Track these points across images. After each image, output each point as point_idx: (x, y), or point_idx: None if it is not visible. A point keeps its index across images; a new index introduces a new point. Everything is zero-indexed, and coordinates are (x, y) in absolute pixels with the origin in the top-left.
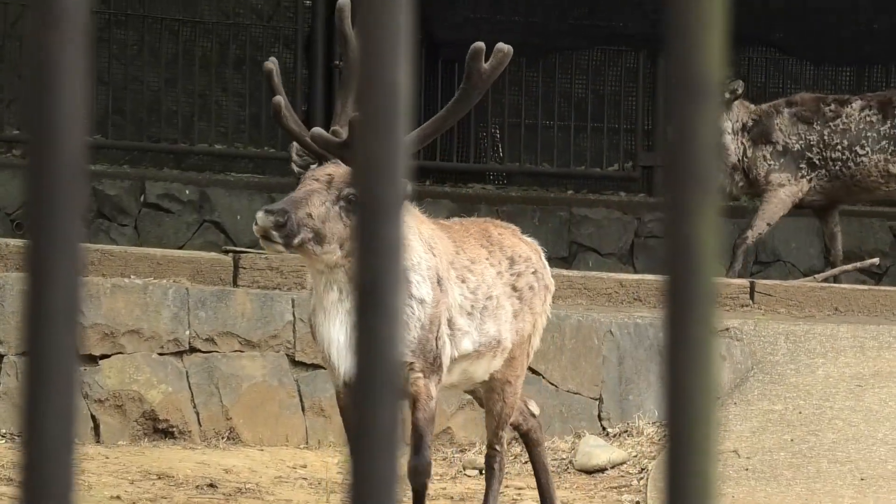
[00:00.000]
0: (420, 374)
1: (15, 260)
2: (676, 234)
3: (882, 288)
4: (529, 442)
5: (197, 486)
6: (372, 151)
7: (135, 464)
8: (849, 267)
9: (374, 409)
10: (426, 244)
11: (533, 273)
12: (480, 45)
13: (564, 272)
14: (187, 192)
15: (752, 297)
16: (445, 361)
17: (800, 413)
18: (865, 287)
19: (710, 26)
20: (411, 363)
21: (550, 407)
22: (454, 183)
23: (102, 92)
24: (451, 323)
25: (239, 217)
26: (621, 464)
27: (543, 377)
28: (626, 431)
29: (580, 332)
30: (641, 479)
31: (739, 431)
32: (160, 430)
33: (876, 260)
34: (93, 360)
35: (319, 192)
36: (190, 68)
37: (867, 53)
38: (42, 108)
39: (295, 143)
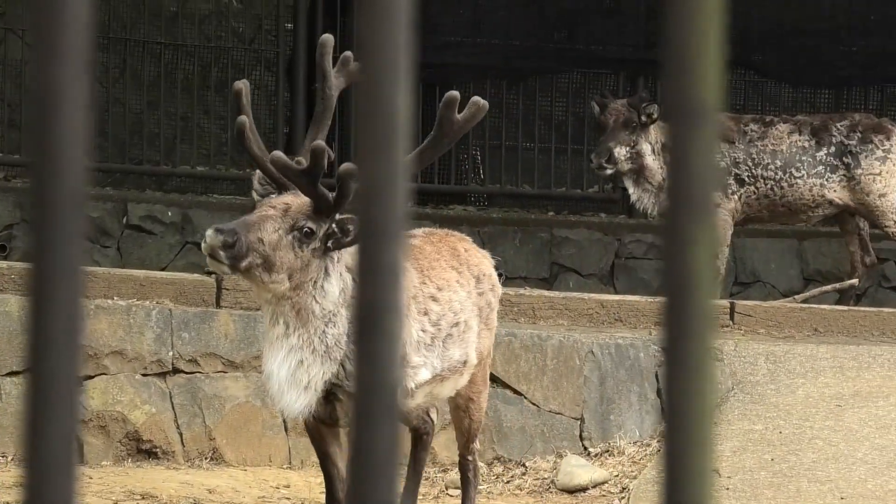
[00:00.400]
0: None
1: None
2: (674, 257)
3: (861, 309)
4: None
5: None
6: (371, 175)
7: (118, 484)
8: (827, 288)
9: (373, 431)
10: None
11: (491, 289)
12: (454, 94)
13: (546, 293)
14: (170, 213)
15: (731, 318)
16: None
17: (780, 433)
18: (845, 308)
19: (706, 53)
20: None
21: (532, 427)
22: (436, 204)
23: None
24: (404, 360)
25: None
26: (603, 483)
27: (525, 397)
28: (607, 451)
29: (562, 352)
30: (623, 498)
31: (720, 451)
32: (144, 450)
33: (855, 281)
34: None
35: (274, 219)
36: (172, 91)
37: (846, 75)
38: (45, 135)
39: (258, 171)
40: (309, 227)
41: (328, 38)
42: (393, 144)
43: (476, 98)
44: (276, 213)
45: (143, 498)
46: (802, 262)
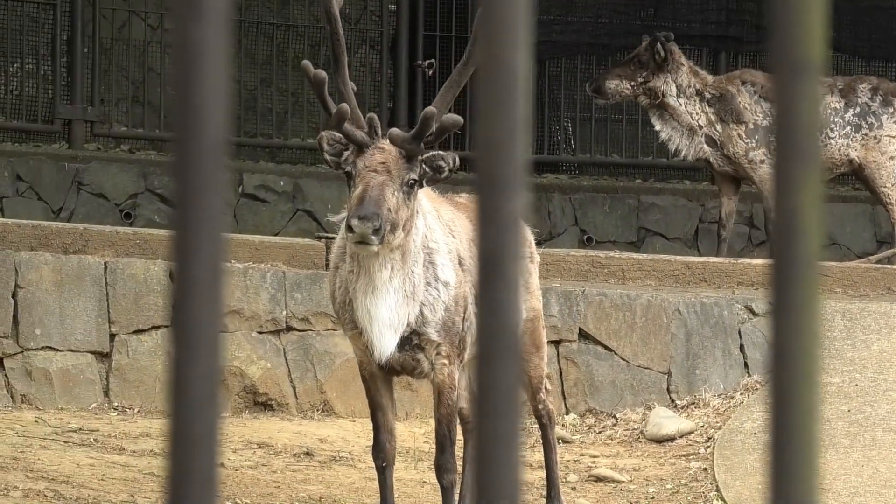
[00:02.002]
0: (445, 361)
1: (125, 246)
2: (783, 205)
3: None
4: (466, 430)
5: (294, 455)
6: (492, 130)
7: (236, 434)
8: None
9: (497, 372)
10: (446, 226)
11: (530, 256)
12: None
13: (635, 255)
14: (282, 183)
15: None
16: (469, 341)
17: (856, 385)
18: None
19: (812, 9)
20: (437, 345)
21: (622, 381)
22: (529, 173)
23: None
24: (477, 300)
25: (329, 206)
26: (689, 433)
27: (616, 353)
28: (693, 403)
29: (650, 311)
30: (708, 447)
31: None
32: (260, 403)
33: None
34: None
35: (389, 184)
36: (283, 69)
37: None
38: (188, 98)
39: (324, 134)
40: (412, 178)
41: None
42: (513, 101)
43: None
44: (387, 178)
45: (260, 447)
46: (875, 226)
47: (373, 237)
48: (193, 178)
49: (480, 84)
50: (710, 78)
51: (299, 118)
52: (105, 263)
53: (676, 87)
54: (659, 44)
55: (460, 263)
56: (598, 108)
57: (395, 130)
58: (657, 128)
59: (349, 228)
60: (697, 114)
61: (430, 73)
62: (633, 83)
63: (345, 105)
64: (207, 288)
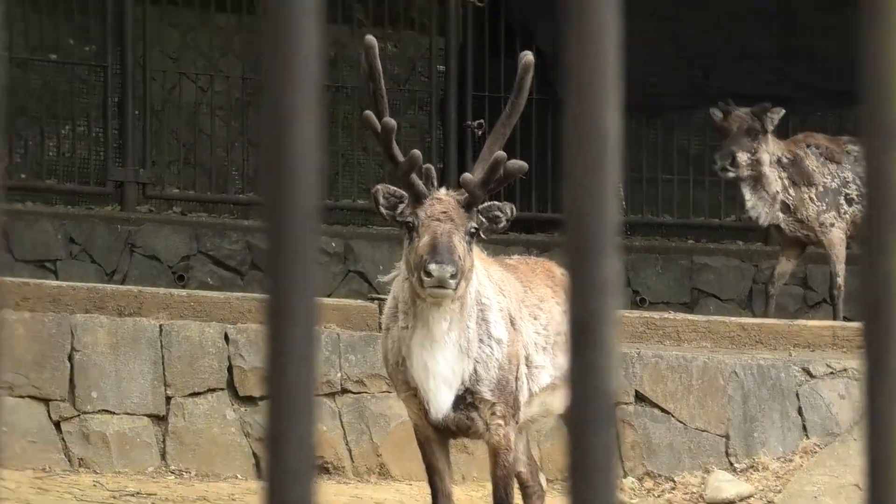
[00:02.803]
0: (501, 421)
1: (179, 309)
2: (875, 269)
3: None
4: (525, 495)
5: None
6: (583, 193)
7: None
8: None
9: (591, 438)
10: (496, 285)
11: None
12: (530, 58)
13: (690, 316)
14: (333, 244)
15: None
16: (522, 400)
17: None
18: None
19: None
20: (492, 405)
21: (680, 444)
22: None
23: (253, 153)
24: (528, 360)
25: (381, 267)
26: (748, 497)
27: (672, 416)
28: (751, 467)
29: (706, 373)
30: None
31: (861, 466)
32: (316, 466)
33: None
34: (252, 401)
35: (455, 232)
36: (333, 130)
37: None
38: (280, 163)
39: (379, 187)
40: (474, 227)
41: (372, 40)
42: (603, 164)
43: (524, 53)
44: (452, 226)
45: None
46: None
47: (451, 281)
48: (286, 243)
49: (570, 147)
50: (781, 143)
51: (349, 179)
52: (160, 326)
53: (769, 154)
54: (780, 110)
55: (511, 323)
56: (648, 167)
57: (467, 175)
58: (747, 197)
59: (427, 274)
60: (776, 180)
61: (480, 133)
62: (750, 155)
63: (417, 152)
64: (302, 353)
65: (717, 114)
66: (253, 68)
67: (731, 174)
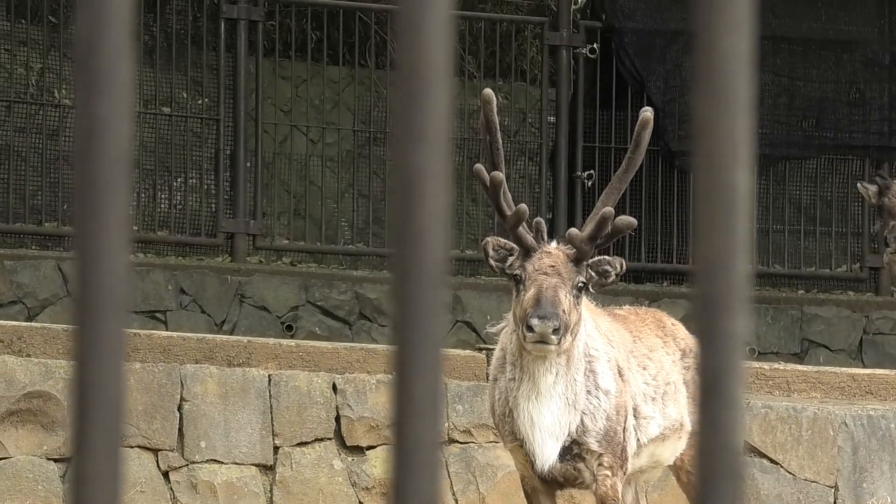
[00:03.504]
0: (608, 472)
1: (288, 359)
2: None
3: None
4: None
5: None
6: (712, 249)
7: None
8: None
9: (718, 494)
10: (604, 336)
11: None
12: (649, 115)
13: (799, 367)
14: (444, 298)
15: None
16: (630, 452)
17: None
18: None
19: None
20: (599, 455)
21: (788, 494)
22: (691, 283)
23: (363, 205)
24: (636, 411)
25: (489, 317)
26: None
27: (781, 466)
28: None
29: (816, 423)
30: None
31: None
32: None
33: None
34: (360, 450)
35: (562, 287)
36: None
37: None
38: (409, 221)
39: (489, 239)
40: (582, 282)
41: (491, 94)
42: (732, 220)
43: (644, 109)
44: (559, 280)
45: None
46: None
47: (552, 336)
48: (414, 299)
49: (701, 202)
50: None
51: (458, 230)
52: (269, 376)
53: None
54: None
55: (620, 374)
56: (759, 218)
57: (574, 230)
58: None
59: (529, 328)
60: None
61: (590, 183)
62: None
63: (524, 206)
64: (427, 407)
65: (870, 188)
66: (364, 120)
67: None
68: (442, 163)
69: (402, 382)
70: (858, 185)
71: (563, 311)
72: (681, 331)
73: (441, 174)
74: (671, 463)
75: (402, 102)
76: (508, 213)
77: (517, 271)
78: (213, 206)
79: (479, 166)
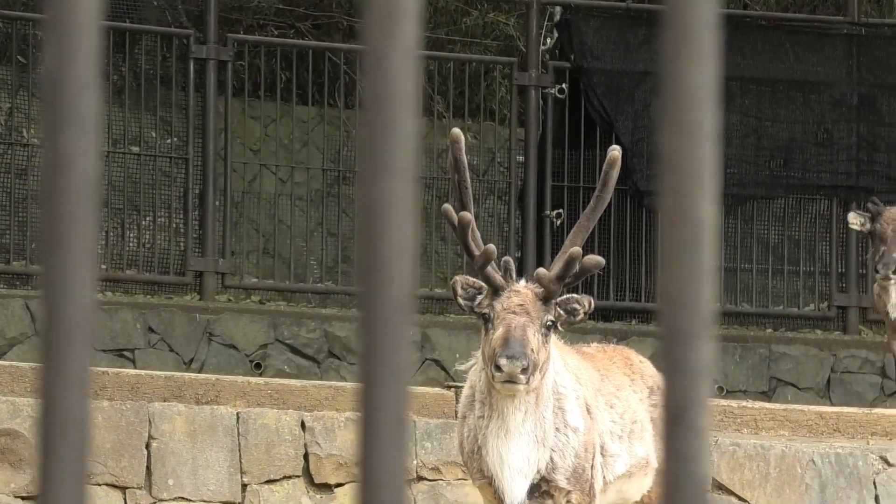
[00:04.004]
0: None
1: (256, 397)
2: None
3: None
4: None
5: None
6: (677, 279)
7: None
8: None
9: None
10: (573, 374)
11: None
12: (617, 154)
13: (767, 405)
14: (410, 332)
15: None
16: (598, 488)
17: None
18: None
19: None
20: (568, 493)
21: None
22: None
23: (332, 244)
24: (603, 449)
25: (458, 355)
26: None
27: None
28: None
29: (784, 461)
30: None
31: None
32: None
33: None
34: (328, 488)
35: (530, 326)
36: None
37: None
38: (375, 254)
39: (458, 278)
40: (550, 320)
41: (459, 134)
42: (697, 250)
43: (612, 148)
44: (527, 319)
45: None
46: None
47: (521, 376)
48: (380, 333)
49: (666, 232)
50: None
51: (426, 269)
52: (237, 413)
53: None
54: None
55: (588, 411)
56: (727, 257)
57: (542, 270)
58: (893, 300)
59: (497, 368)
60: None
61: (559, 222)
62: None
63: (492, 246)
64: (392, 441)
65: (860, 216)
66: (333, 159)
67: (893, 281)
68: (408, 195)
69: (368, 417)
70: (850, 213)
71: (532, 349)
72: (648, 368)
73: (407, 206)
74: (637, 500)
75: (368, 134)
76: (477, 252)
77: (486, 310)
78: (181, 244)
79: (447, 206)
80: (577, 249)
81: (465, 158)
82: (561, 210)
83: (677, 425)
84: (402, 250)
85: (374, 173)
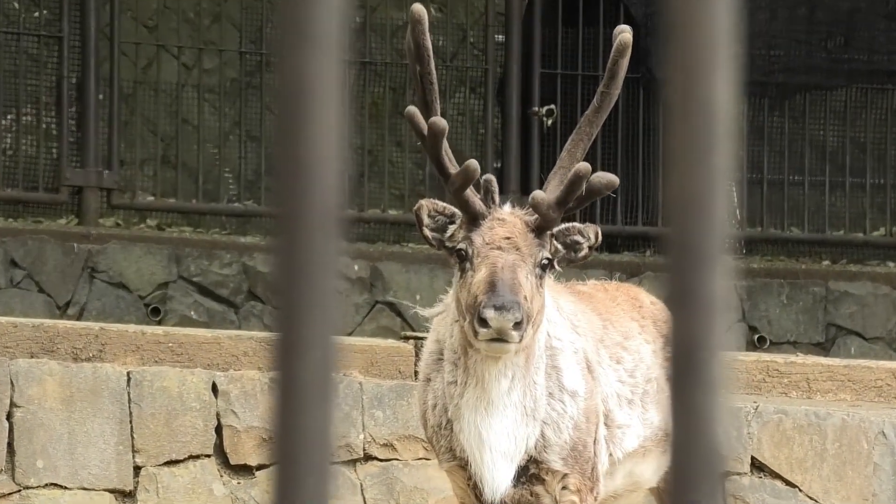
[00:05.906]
0: (574, 498)
1: (153, 352)
2: None
3: None
4: None
5: None
6: (683, 186)
7: None
8: None
9: (695, 488)
10: (568, 321)
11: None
12: (628, 38)
13: (823, 360)
14: (356, 267)
15: None
16: (602, 470)
17: None
18: None
19: None
20: (564, 476)
21: None
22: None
23: (253, 150)
24: (608, 418)
25: (419, 297)
26: None
27: (800, 490)
28: None
29: (845, 433)
30: None
31: None
32: None
33: None
34: (248, 470)
35: (521, 265)
36: (358, 119)
37: None
38: (294, 143)
39: (423, 202)
40: (546, 258)
41: (421, 10)
42: (709, 145)
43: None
44: (517, 257)
45: None
46: None
47: (513, 332)
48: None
49: (672, 129)
50: None
51: (378, 183)
52: (128, 374)
53: None
54: None
55: (588, 369)
56: (770, 167)
57: (539, 194)
58: None
59: (481, 322)
60: None
61: (550, 122)
62: None
63: (474, 162)
64: (317, 399)
65: None
66: (254, 40)
67: None
68: (334, 72)
69: (285, 375)
70: None
71: (525, 297)
72: (661, 311)
73: (332, 86)
74: (654, 485)
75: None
76: (453, 171)
77: (462, 245)
78: (54, 151)
79: (412, 109)
80: (585, 166)
81: (428, 43)
82: (553, 106)
83: (685, 371)
84: (327, 144)
85: (290, 44)
